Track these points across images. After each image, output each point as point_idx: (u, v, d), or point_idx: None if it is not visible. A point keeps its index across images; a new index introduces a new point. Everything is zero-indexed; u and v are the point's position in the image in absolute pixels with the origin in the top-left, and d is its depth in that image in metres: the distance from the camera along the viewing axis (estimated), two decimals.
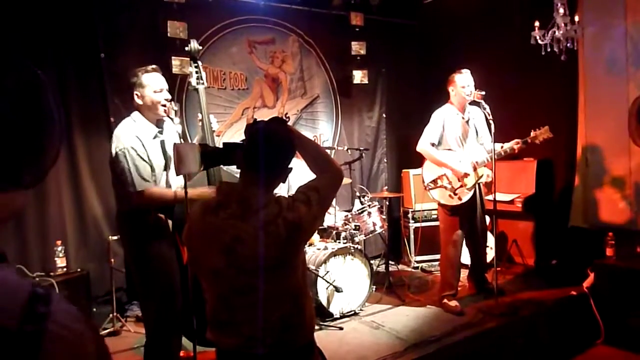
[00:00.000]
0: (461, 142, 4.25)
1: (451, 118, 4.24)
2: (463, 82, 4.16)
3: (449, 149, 4.24)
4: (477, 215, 4.32)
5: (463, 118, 4.24)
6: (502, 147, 4.15)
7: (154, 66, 2.92)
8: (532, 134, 4.11)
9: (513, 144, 4.12)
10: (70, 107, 4.06)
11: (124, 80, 4.11)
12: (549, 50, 4.05)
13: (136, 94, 2.85)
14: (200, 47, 3.20)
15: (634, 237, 4.45)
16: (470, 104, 4.25)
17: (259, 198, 1.68)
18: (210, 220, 1.69)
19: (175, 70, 4.33)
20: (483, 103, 4.01)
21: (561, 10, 3.97)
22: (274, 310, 1.67)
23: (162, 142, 2.91)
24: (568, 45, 4.05)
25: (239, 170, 1.77)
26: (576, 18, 4.05)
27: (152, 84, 2.84)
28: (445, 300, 4.19)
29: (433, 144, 4.23)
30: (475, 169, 4.17)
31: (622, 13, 4.56)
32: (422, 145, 4.24)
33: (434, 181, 4.21)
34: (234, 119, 5.10)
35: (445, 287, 4.27)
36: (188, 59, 3.29)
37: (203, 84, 3.12)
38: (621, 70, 4.57)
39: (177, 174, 2.59)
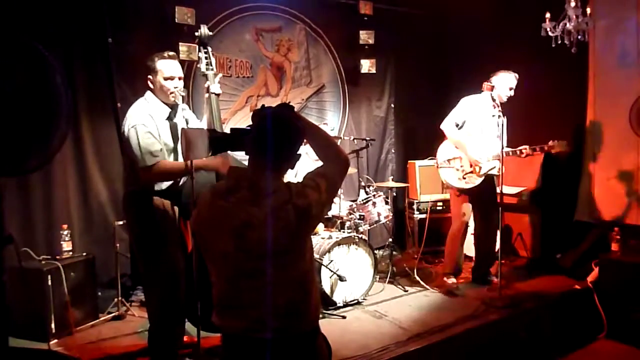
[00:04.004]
0: (481, 132, 4.30)
1: (480, 107, 4.30)
2: (510, 83, 4.24)
3: (469, 135, 4.30)
4: (488, 206, 4.37)
5: (490, 111, 4.22)
6: (517, 150, 4.17)
7: (171, 53, 2.96)
8: (550, 143, 4.08)
9: (522, 149, 4.14)
10: (77, 91, 4.05)
11: (132, 65, 4.14)
12: (559, 42, 4.01)
13: (149, 78, 2.91)
14: (210, 33, 3.19)
15: None
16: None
17: (268, 183, 1.68)
18: (219, 204, 1.70)
19: (182, 56, 4.31)
20: (492, 94, 3.99)
21: (573, 3, 3.93)
22: (280, 295, 1.68)
23: (174, 125, 2.93)
24: (579, 37, 4.02)
25: (246, 157, 1.77)
26: (588, 10, 4.00)
27: (165, 71, 2.88)
28: (444, 278, 4.49)
29: (457, 125, 4.32)
30: (487, 160, 4.24)
31: (634, 6, 4.52)
32: (447, 125, 4.35)
33: (448, 161, 4.31)
34: (237, 107, 5.09)
35: (447, 266, 4.57)
36: (195, 45, 3.29)
37: (212, 69, 3.12)
38: (632, 63, 4.54)
39: (185, 160, 2.60)
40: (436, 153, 4.50)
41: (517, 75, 4.28)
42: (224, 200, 1.70)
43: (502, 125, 3.98)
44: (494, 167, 4.23)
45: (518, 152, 4.15)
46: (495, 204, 4.33)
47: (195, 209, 1.81)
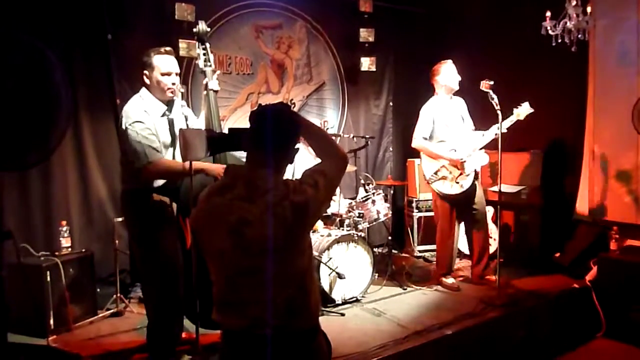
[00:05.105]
0: (452, 132, 4.34)
1: (440, 110, 4.35)
2: (449, 72, 4.31)
3: (441, 141, 4.34)
4: (476, 200, 4.37)
5: (449, 108, 4.35)
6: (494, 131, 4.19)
7: (167, 48, 2.93)
8: (514, 112, 4.14)
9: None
10: (76, 88, 4.04)
11: (131, 61, 4.11)
12: (559, 41, 4.01)
13: (145, 74, 2.88)
14: (208, 29, 3.18)
15: (638, 232, 4.44)
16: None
17: (265, 179, 1.68)
18: (216, 201, 1.70)
19: (182, 53, 4.31)
20: (491, 93, 4.01)
21: (573, 1, 3.92)
22: (279, 293, 1.68)
23: (171, 121, 2.92)
24: (579, 36, 4.01)
25: (245, 155, 1.77)
26: (588, 9, 3.99)
27: (161, 67, 2.86)
28: (442, 279, 4.43)
29: (425, 139, 4.35)
30: (469, 155, 4.25)
31: (635, 5, 4.51)
32: (417, 142, 4.39)
33: (435, 174, 4.32)
34: (238, 104, 5.08)
35: (441, 267, 4.50)
36: (195, 41, 3.28)
37: (210, 66, 3.11)
38: (632, 63, 4.53)
39: (183, 160, 2.60)
40: (423, 167, 4.49)
41: (448, 60, 4.36)
42: (220, 197, 1.70)
43: (499, 118, 4.00)
44: (477, 160, 4.28)
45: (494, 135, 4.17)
46: (483, 201, 4.43)
47: (194, 207, 1.81)
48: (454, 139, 4.33)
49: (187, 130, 2.61)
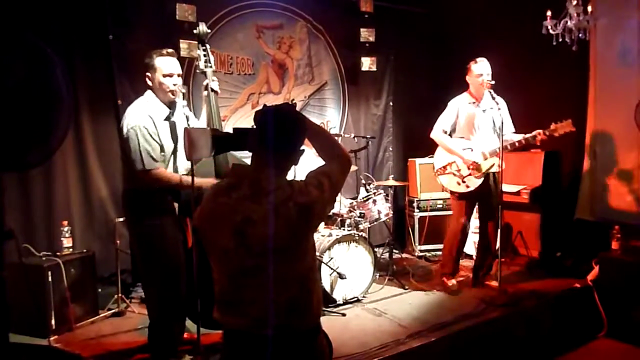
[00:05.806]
0: (475, 131, 4.27)
1: (466, 107, 4.29)
2: (478, 71, 4.19)
3: (462, 137, 4.29)
4: (491, 204, 4.28)
5: (479, 107, 4.25)
6: (523, 136, 4.10)
7: (169, 50, 2.95)
8: (552, 126, 4.05)
9: (535, 134, 4.05)
10: (78, 88, 4.04)
11: (132, 62, 4.13)
12: (560, 40, 4.01)
13: (147, 75, 2.88)
14: (209, 30, 3.20)
15: None
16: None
17: (270, 179, 1.68)
18: (221, 200, 1.71)
19: (183, 53, 4.32)
20: (492, 92, 4.00)
21: (574, 1, 3.92)
22: (281, 293, 1.68)
23: (173, 124, 2.93)
24: (580, 35, 4.02)
25: (248, 157, 1.77)
26: (589, 8, 3.99)
27: (163, 68, 2.87)
28: (444, 278, 4.40)
29: (445, 132, 4.31)
30: (485, 158, 4.18)
31: (636, 5, 4.51)
32: (435, 132, 4.36)
33: (444, 167, 4.31)
34: (239, 104, 5.08)
35: (445, 266, 4.45)
36: (196, 42, 3.29)
37: (211, 67, 3.12)
38: (633, 62, 4.52)
39: (188, 159, 2.60)
40: (434, 158, 4.48)
41: (480, 59, 4.21)
42: (226, 197, 1.71)
43: (501, 120, 3.97)
44: (493, 164, 4.18)
45: (524, 141, 4.08)
46: (500, 199, 4.29)
47: (198, 206, 1.81)
48: (477, 138, 4.26)
49: (192, 129, 2.61)
